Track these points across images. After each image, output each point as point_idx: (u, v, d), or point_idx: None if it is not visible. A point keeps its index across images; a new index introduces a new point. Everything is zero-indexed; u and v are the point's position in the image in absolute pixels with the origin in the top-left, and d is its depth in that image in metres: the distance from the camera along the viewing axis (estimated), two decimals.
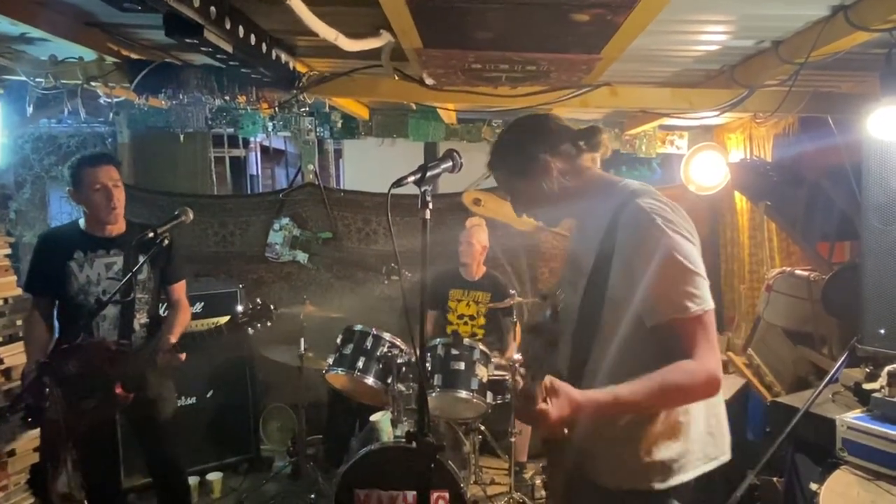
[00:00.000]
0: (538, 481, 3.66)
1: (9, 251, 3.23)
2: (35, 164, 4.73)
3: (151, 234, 2.45)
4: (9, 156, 3.42)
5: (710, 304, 1.40)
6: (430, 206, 1.59)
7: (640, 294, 1.40)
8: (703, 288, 1.40)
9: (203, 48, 2.09)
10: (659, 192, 1.56)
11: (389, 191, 1.53)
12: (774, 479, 2.82)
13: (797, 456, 2.49)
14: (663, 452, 1.48)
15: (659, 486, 1.48)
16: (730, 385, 3.50)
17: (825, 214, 3.46)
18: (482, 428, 3.74)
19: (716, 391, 1.42)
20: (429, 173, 1.59)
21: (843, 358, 2.52)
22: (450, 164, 1.67)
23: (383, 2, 1.91)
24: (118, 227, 2.67)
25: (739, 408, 3.50)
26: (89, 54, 2.78)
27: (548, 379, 1.32)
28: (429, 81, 2.96)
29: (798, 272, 3.52)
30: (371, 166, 5.06)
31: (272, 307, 2.64)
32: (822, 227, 3.52)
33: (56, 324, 2.68)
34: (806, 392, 2.87)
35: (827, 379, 2.47)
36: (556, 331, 1.71)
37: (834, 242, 3.56)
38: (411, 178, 1.58)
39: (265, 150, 7.32)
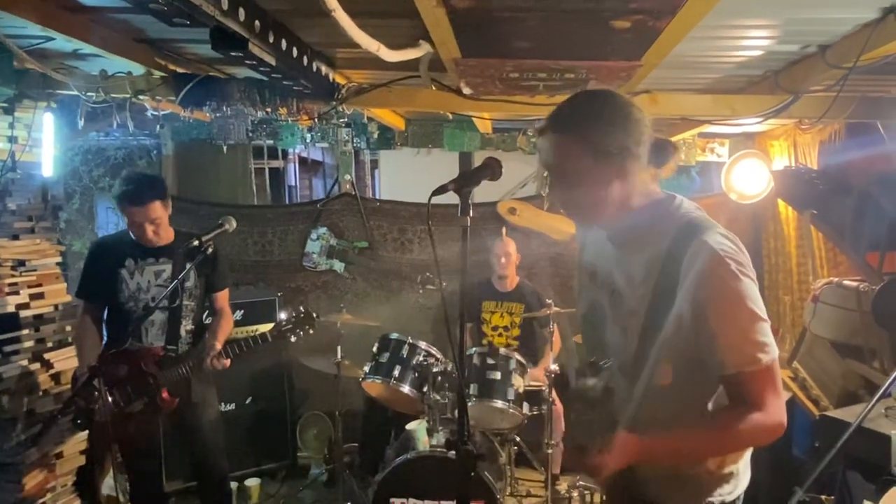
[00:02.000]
0: (574, 494, 3.61)
1: (59, 259, 3.35)
2: (84, 176, 4.89)
3: (196, 242, 2.51)
4: (59, 168, 3.54)
5: (776, 352, 1.32)
6: (472, 212, 1.59)
7: (707, 344, 1.31)
8: (770, 335, 1.32)
9: (247, 61, 2.15)
10: (704, 207, 1.45)
11: (430, 199, 1.53)
12: (823, 496, 2.72)
13: (848, 473, 2.40)
14: (727, 468, 1.47)
15: (725, 498, 1.47)
16: None
17: (875, 223, 3.34)
18: (518, 439, 3.71)
19: (779, 436, 1.36)
20: (469, 179, 1.59)
21: None
22: (489, 171, 1.67)
23: (424, 13, 1.93)
24: (166, 237, 2.75)
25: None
26: (138, 69, 2.88)
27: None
28: (466, 91, 2.97)
29: (846, 283, 3.41)
30: (406, 176, 5.10)
31: (315, 315, 2.67)
32: (871, 237, 3.40)
33: (104, 330, 2.76)
34: (855, 407, 2.77)
35: (880, 393, 2.37)
36: (607, 404, 1.46)
37: (884, 252, 3.43)
38: (451, 186, 1.58)
39: (303, 161, 7.44)
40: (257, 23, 2.04)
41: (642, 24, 1.94)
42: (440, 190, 1.56)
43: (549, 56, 2.44)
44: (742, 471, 1.50)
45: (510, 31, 2.14)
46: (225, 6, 1.80)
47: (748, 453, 1.51)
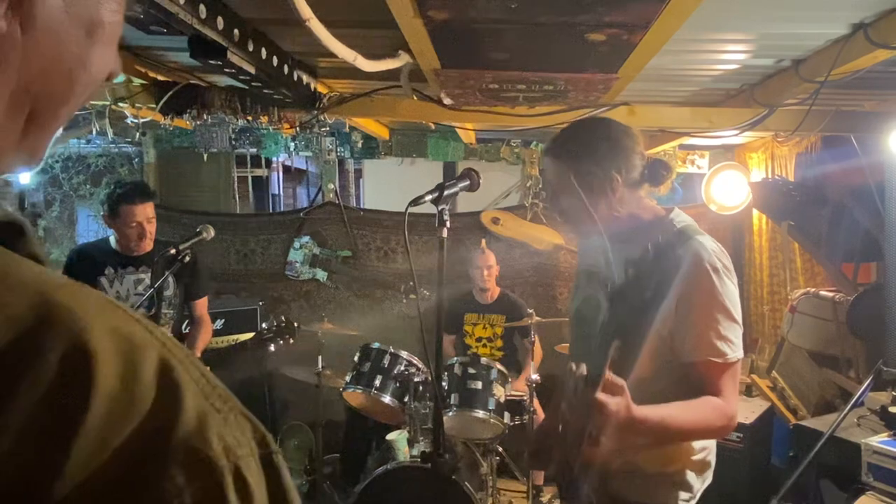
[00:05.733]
0: None
1: None
2: (64, 183, 4.85)
3: (174, 251, 2.50)
4: (39, 175, 3.52)
5: (741, 354, 1.45)
6: (448, 224, 1.60)
7: (683, 330, 1.44)
8: (739, 337, 1.45)
9: (227, 70, 2.15)
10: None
11: (407, 209, 1.54)
12: None
13: (822, 481, 2.43)
14: (689, 475, 1.55)
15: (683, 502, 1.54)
16: (754, 408, 3.43)
17: (849, 234, 3.40)
18: (500, 449, 3.71)
19: (727, 433, 1.51)
20: (446, 192, 1.60)
21: (868, 381, 2.47)
22: (467, 182, 1.68)
23: (402, 24, 1.95)
24: (148, 245, 2.72)
25: (764, 431, 3.42)
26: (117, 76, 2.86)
27: (609, 374, 1.29)
28: (447, 101, 2.99)
29: (823, 293, 3.46)
30: (390, 186, 5.11)
31: (296, 324, 2.67)
32: (846, 248, 3.45)
33: None
34: (831, 416, 2.80)
35: (852, 402, 2.41)
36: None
37: (859, 263, 3.49)
38: (428, 197, 1.59)
39: (287, 169, 7.42)
40: (236, 31, 2.05)
41: (617, 37, 1.97)
42: (417, 201, 1.58)
43: (527, 68, 2.46)
44: (696, 485, 1.55)
45: (488, 42, 2.16)
46: (203, 14, 1.80)
47: (704, 476, 1.57)
